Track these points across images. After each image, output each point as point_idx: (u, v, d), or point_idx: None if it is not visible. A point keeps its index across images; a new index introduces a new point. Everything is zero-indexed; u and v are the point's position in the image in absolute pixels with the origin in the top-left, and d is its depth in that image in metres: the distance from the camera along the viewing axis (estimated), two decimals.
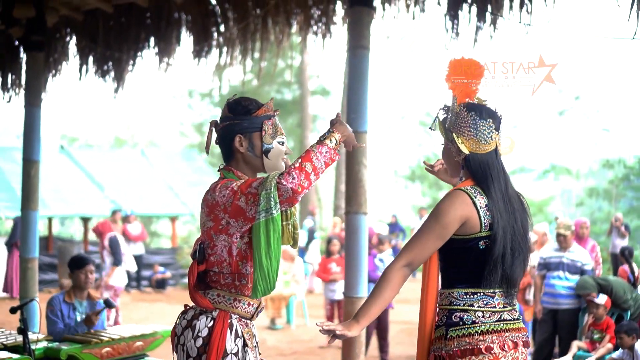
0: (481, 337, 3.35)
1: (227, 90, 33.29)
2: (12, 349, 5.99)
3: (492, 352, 3.33)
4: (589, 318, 8.34)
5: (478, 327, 3.36)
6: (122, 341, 6.35)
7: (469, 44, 6.49)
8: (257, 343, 3.75)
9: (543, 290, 8.89)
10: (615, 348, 7.86)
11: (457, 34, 6.60)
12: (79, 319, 6.59)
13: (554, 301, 8.74)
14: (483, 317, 3.38)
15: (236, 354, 3.56)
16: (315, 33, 7.54)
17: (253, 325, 3.74)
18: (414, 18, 6.77)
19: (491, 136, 3.48)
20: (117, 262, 11.72)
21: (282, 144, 3.68)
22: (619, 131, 30.60)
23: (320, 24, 7.50)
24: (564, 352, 8.50)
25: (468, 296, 3.41)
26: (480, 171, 3.46)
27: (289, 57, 29.52)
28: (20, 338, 5.95)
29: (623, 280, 8.79)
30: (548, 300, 8.79)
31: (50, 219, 19.34)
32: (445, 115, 3.59)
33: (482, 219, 3.38)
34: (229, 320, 3.56)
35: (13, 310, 6.04)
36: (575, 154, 31.14)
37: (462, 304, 3.41)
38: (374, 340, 9.91)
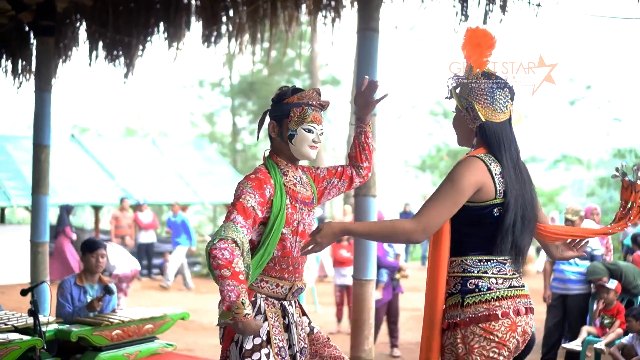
0: (497, 303, 3.38)
1: (238, 79, 33.39)
2: (23, 330, 6.01)
3: (508, 317, 3.38)
4: (599, 303, 8.31)
5: (493, 293, 3.40)
6: (132, 324, 6.37)
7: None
8: (292, 321, 3.82)
9: (552, 276, 8.87)
10: (625, 333, 7.85)
11: (466, 16, 6.56)
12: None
13: (563, 287, 8.70)
14: (496, 283, 3.43)
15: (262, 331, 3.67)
16: (325, 17, 7.50)
17: (290, 305, 3.86)
18: (422, 1, 6.74)
19: (506, 105, 3.51)
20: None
21: (309, 131, 3.77)
22: (631, 121, 30.48)
23: (329, 8, 7.47)
24: (573, 337, 8.48)
25: (482, 263, 3.44)
26: (495, 140, 3.48)
27: (299, 47, 29.58)
28: (31, 320, 5.97)
29: (633, 266, 8.76)
30: (557, 285, 8.76)
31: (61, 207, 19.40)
32: (455, 85, 3.59)
33: (497, 185, 3.41)
34: (253, 299, 3.71)
35: (24, 293, 6.05)
36: (587, 144, 31.05)
37: (476, 271, 3.43)
38: (384, 326, 9.91)
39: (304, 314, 4.01)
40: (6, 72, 10.11)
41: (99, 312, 6.58)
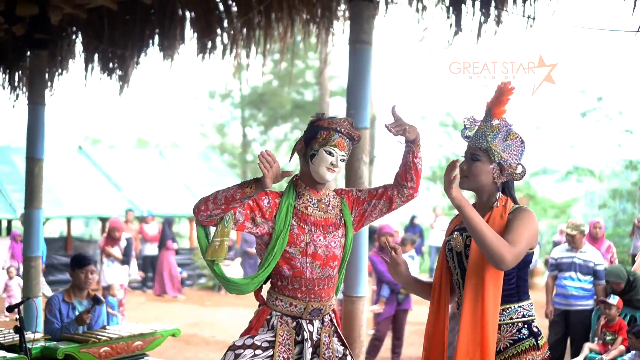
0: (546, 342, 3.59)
1: (248, 91, 33.40)
2: (9, 348, 5.93)
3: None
4: (601, 319, 8.18)
5: (542, 333, 3.59)
6: (121, 340, 6.25)
7: (472, 39, 6.36)
8: (307, 339, 3.95)
9: (555, 291, 8.74)
10: (628, 350, 7.71)
11: (461, 29, 6.46)
12: None
13: (565, 302, 8.58)
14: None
15: (261, 333, 3.95)
16: (319, 28, 7.42)
17: (310, 323, 4.00)
18: (417, 11, 6.64)
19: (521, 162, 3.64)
20: (127, 261, 11.80)
21: (329, 153, 3.89)
22: None
23: (324, 20, 7.39)
24: (575, 353, 8.34)
25: (531, 306, 3.61)
26: (514, 196, 3.63)
27: (308, 58, 29.50)
28: (17, 337, 5.88)
29: None
30: (560, 301, 8.64)
31: (69, 219, 19.39)
32: (470, 134, 3.68)
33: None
34: (268, 316, 3.98)
35: (10, 309, 5.98)
36: (598, 156, 30.76)
37: (531, 314, 3.58)
38: (387, 340, 9.76)
39: (340, 340, 4.15)
40: (3, 85, 10.08)
41: (88, 326, 6.51)
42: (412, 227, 19.72)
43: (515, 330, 3.51)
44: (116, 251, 11.97)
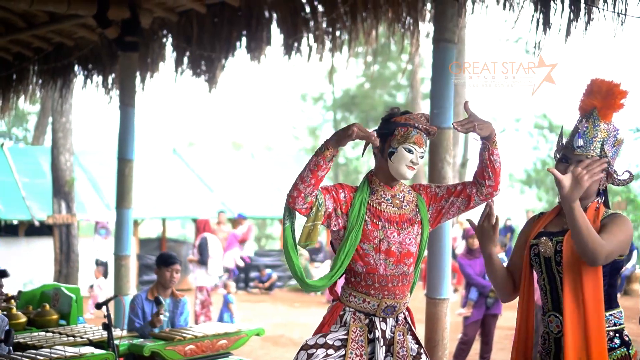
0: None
1: (340, 93, 33.49)
2: (97, 344, 6.08)
3: None
4: None
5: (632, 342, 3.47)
6: (206, 339, 6.35)
7: (561, 38, 6.18)
8: (379, 337, 3.91)
9: None
10: None
11: (549, 26, 6.28)
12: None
13: None
14: None
15: (334, 332, 3.94)
16: (404, 28, 7.36)
17: (383, 321, 3.96)
18: (504, 8, 6.49)
19: None
20: (202, 261, 12.04)
21: (409, 151, 3.84)
22: None
23: (409, 19, 7.32)
24: None
25: (621, 314, 3.47)
26: (607, 201, 3.53)
27: (401, 60, 29.31)
28: (105, 334, 6.02)
29: None
30: None
31: (164, 220, 19.76)
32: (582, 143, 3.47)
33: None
34: (341, 312, 3.97)
35: (98, 306, 6.10)
36: None
37: (621, 322, 3.46)
38: (476, 344, 9.62)
39: (415, 339, 4.08)
40: (97, 86, 10.35)
41: (172, 324, 6.63)
42: (504, 229, 19.48)
43: (607, 339, 3.37)
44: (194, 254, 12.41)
